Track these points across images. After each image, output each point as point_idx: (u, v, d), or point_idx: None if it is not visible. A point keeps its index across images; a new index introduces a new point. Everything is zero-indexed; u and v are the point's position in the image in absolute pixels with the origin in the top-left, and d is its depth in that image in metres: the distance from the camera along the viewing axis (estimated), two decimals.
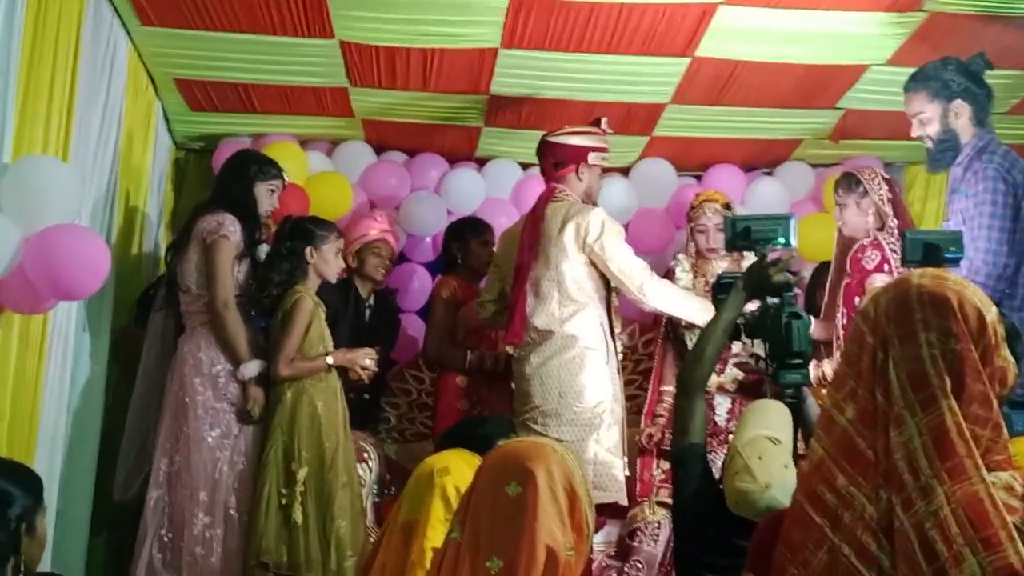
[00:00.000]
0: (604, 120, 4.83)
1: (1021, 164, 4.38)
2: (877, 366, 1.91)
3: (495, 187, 6.26)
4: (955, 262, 3.90)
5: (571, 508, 2.15)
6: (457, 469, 2.77)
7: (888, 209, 4.77)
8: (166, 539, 4.53)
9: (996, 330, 1.91)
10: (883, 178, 4.87)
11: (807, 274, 5.75)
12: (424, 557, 2.58)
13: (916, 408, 1.84)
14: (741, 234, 3.56)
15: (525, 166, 6.14)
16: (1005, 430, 1.90)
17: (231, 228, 4.63)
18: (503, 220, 5.51)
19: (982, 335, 1.89)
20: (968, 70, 4.47)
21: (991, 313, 1.93)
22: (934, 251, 3.79)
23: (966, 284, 1.98)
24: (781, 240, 3.55)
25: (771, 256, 3.42)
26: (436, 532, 2.60)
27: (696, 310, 4.70)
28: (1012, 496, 1.81)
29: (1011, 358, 1.94)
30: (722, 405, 5.10)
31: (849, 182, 4.87)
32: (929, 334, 1.88)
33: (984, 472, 1.79)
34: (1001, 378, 1.92)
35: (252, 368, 4.60)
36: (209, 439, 4.57)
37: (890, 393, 1.87)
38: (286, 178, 5.03)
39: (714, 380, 5.04)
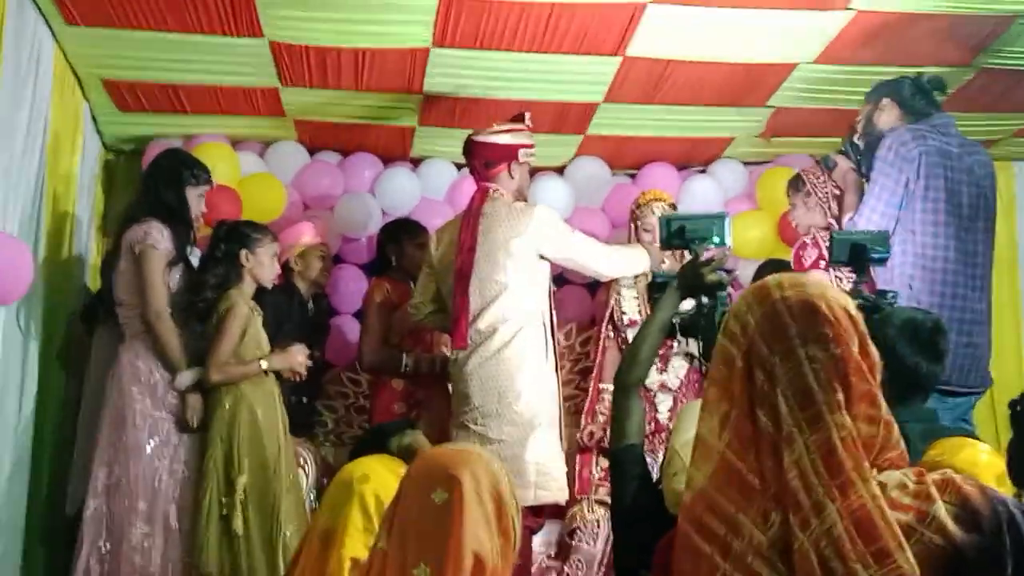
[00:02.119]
0: (527, 115, 4.83)
1: (933, 141, 4.44)
2: (757, 387, 1.88)
3: (430, 187, 6.23)
4: (881, 263, 3.95)
5: (498, 513, 2.14)
6: (377, 476, 2.75)
7: (834, 205, 4.93)
8: (104, 550, 4.48)
9: (860, 320, 1.92)
10: (830, 177, 5.00)
11: (745, 272, 5.80)
12: (341, 567, 2.55)
13: (803, 426, 1.82)
14: (676, 233, 3.57)
15: (460, 166, 6.11)
16: (895, 426, 1.90)
17: (158, 236, 4.58)
18: (438, 221, 5.48)
19: (856, 331, 1.89)
20: (911, 80, 4.58)
21: (852, 306, 1.93)
22: (860, 251, 3.83)
23: (825, 283, 1.98)
24: (716, 239, 3.56)
25: (704, 255, 3.43)
26: (354, 541, 2.58)
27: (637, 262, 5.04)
28: (904, 494, 1.81)
29: (874, 348, 1.94)
30: (664, 403, 5.13)
31: (796, 183, 5.10)
32: (807, 348, 1.85)
33: (872, 484, 1.78)
34: (878, 368, 1.91)
35: (187, 377, 4.57)
36: (148, 448, 4.54)
37: (778, 414, 1.85)
38: (214, 180, 4.98)
39: (656, 378, 5.08)
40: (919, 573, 1.71)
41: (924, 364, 3.33)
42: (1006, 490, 2.63)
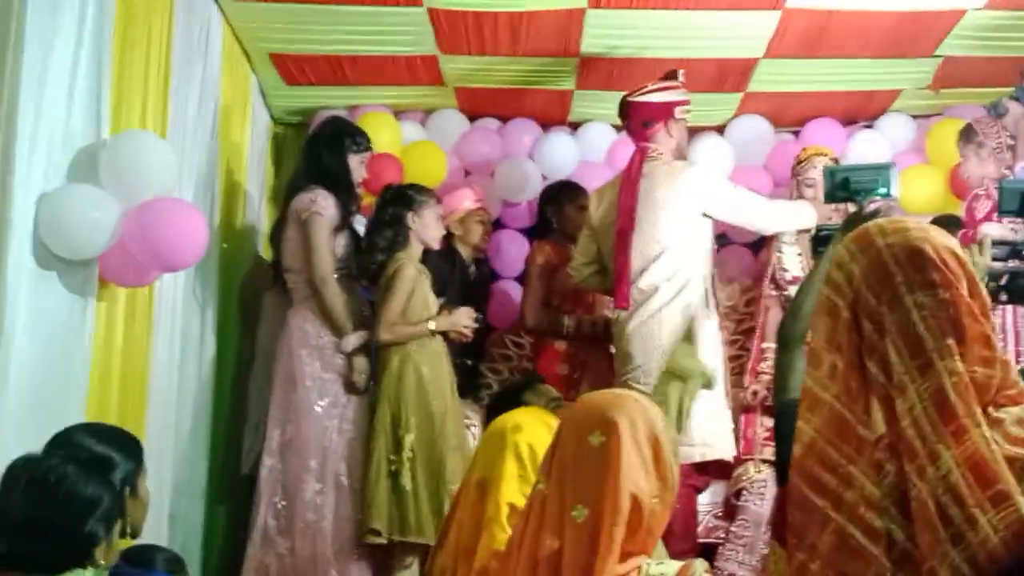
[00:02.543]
0: (680, 72, 4.80)
1: None
2: (865, 337, 1.85)
3: (589, 150, 6.23)
4: None
5: (655, 457, 2.15)
6: (529, 426, 2.80)
7: (1008, 155, 4.76)
8: (280, 506, 4.65)
9: (968, 262, 1.86)
10: (1003, 125, 4.83)
11: None
12: (500, 513, 2.59)
13: (915, 374, 1.79)
14: (840, 185, 3.51)
15: (619, 128, 6.07)
16: (1012, 365, 1.85)
17: (324, 203, 4.71)
18: (597, 183, 5.45)
19: (964, 272, 1.83)
20: None
21: (958, 247, 1.87)
22: None
23: (925, 225, 1.92)
24: (881, 190, 3.48)
25: (870, 207, 3.36)
26: (510, 488, 2.62)
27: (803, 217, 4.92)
28: (1023, 428, 1.76)
29: (984, 289, 1.88)
30: None
31: (967, 134, 4.94)
32: (915, 295, 1.81)
33: (985, 429, 1.74)
34: (989, 307, 1.87)
35: (353, 340, 4.70)
36: (318, 409, 4.68)
37: (888, 363, 1.81)
38: (375, 148, 5.10)
39: None
40: None
41: None
42: None
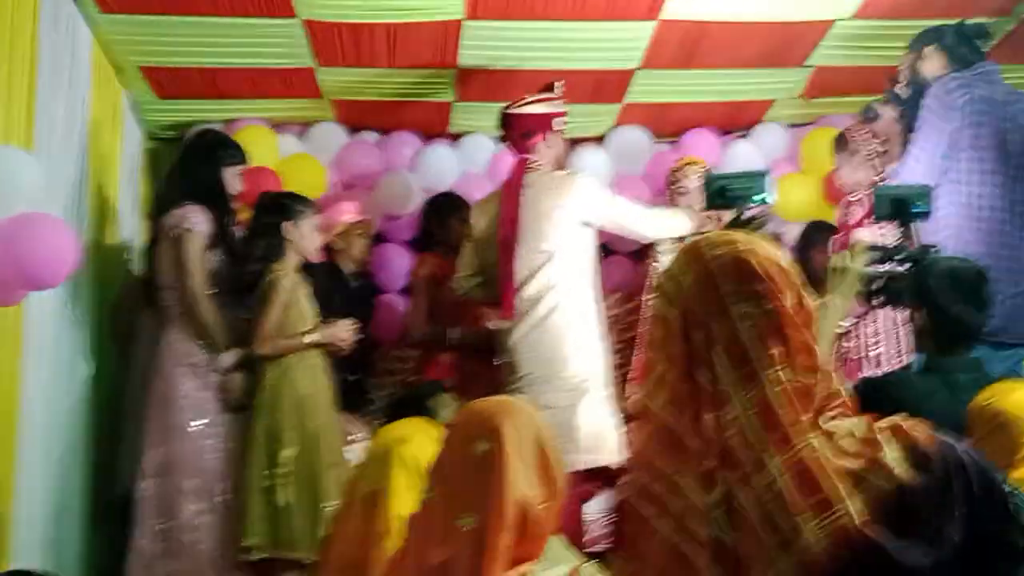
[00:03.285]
0: (557, 84, 4.84)
1: (978, 89, 4.36)
2: (694, 347, 1.86)
3: (470, 162, 6.23)
4: (923, 217, 3.89)
5: (541, 463, 2.14)
6: (414, 437, 2.79)
7: (880, 162, 4.88)
8: (158, 529, 4.53)
9: (795, 272, 1.90)
10: (874, 132, 4.96)
11: (791, 233, 5.77)
12: (390, 526, 2.57)
13: (740, 384, 1.81)
14: (718, 192, 3.57)
15: (500, 140, 6.08)
16: (835, 375, 1.88)
17: (196, 219, 4.62)
18: (480, 195, 5.47)
19: (787, 284, 1.87)
20: (954, 27, 4.51)
21: (786, 259, 1.91)
22: (902, 206, 3.77)
23: (753, 239, 1.95)
24: (758, 197, 3.54)
25: (747, 214, 3.41)
26: (400, 500, 2.60)
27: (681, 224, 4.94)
28: (853, 442, 1.78)
29: (811, 300, 1.91)
30: None
31: (840, 142, 5.07)
32: (740, 306, 1.84)
33: (812, 437, 1.77)
34: (815, 319, 1.89)
35: (227, 358, 4.62)
36: (195, 428, 4.59)
37: (715, 373, 1.83)
38: (253, 163, 5.02)
39: None
40: (866, 519, 1.68)
41: (967, 312, 3.27)
42: None
